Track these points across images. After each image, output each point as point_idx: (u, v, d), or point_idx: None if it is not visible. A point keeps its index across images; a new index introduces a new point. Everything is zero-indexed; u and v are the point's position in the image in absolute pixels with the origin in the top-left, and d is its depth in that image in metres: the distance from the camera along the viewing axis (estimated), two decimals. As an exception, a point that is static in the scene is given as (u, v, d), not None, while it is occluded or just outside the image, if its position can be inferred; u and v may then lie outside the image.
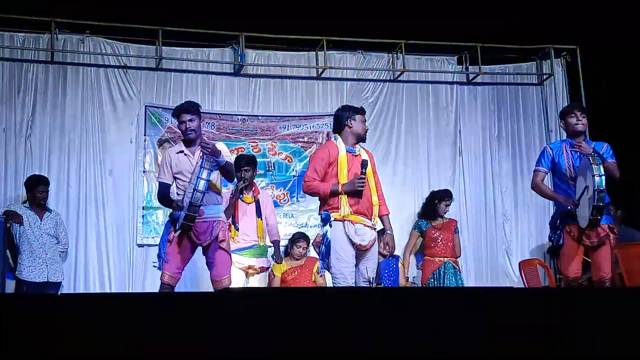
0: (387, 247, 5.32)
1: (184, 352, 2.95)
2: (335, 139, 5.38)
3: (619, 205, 6.92)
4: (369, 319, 3.13)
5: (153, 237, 7.66)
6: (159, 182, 5.51)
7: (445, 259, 7.39)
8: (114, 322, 2.95)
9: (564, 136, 5.74)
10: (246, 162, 6.58)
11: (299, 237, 7.28)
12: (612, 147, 5.41)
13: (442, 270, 7.32)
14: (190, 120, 5.33)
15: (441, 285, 7.18)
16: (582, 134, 5.42)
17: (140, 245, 7.73)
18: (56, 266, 6.87)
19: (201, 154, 5.21)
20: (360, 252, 5.15)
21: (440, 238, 7.51)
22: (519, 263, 7.91)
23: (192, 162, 5.33)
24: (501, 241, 8.61)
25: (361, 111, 5.44)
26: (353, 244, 5.10)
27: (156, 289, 7.46)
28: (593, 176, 4.93)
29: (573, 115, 5.40)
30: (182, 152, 5.42)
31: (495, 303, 3.38)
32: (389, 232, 5.36)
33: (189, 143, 5.42)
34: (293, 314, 3.11)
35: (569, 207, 5.21)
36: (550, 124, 8.78)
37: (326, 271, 5.23)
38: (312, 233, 7.75)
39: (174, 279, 5.35)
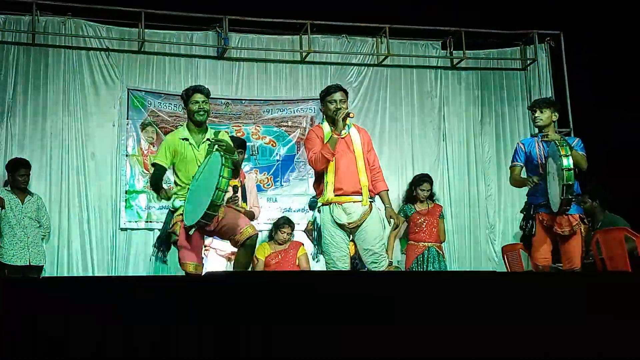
0: (392, 220, 5.19)
1: (168, 336, 2.94)
2: (321, 123, 5.36)
3: (598, 195, 6.89)
4: (350, 303, 3.14)
5: (136, 221, 7.72)
6: (156, 163, 5.07)
7: (429, 243, 7.39)
8: (96, 306, 2.93)
9: None
10: (238, 145, 6.18)
11: (283, 223, 7.26)
12: (583, 141, 5.53)
13: (426, 255, 7.33)
14: (204, 101, 5.09)
15: (425, 269, 7.19)
16: (542, 128, 5.52)
17: (123, 229, 7.70)
18: (38, 249, 6.83)
19: (218, 151, 4.77)
20: (355, 229, 5.09)
21: (424, 223, 7.51)
22: (502, 248, 7.94)
23: (195, 154, 4.99)
24: (484, 226, 8.66)
25: (330, 91, 5.19)
26: (342, 226, 5.07)
27: (138, 272, 7.54)
28: (560, 156, 4.99)
29: (533, 111, 5.56)
30: (186, 139, 5.04)
31: (478, 287, 3.40)
32: (387, 206, 5.23)
33: (195, 129, 5.10)
34: (276, 298, 3.11)
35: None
36: (533, 109, 8.82)
37: (321, 256, 5.21)
38: (296, 217, 7.78)
39: (200, 268, 4.88)
